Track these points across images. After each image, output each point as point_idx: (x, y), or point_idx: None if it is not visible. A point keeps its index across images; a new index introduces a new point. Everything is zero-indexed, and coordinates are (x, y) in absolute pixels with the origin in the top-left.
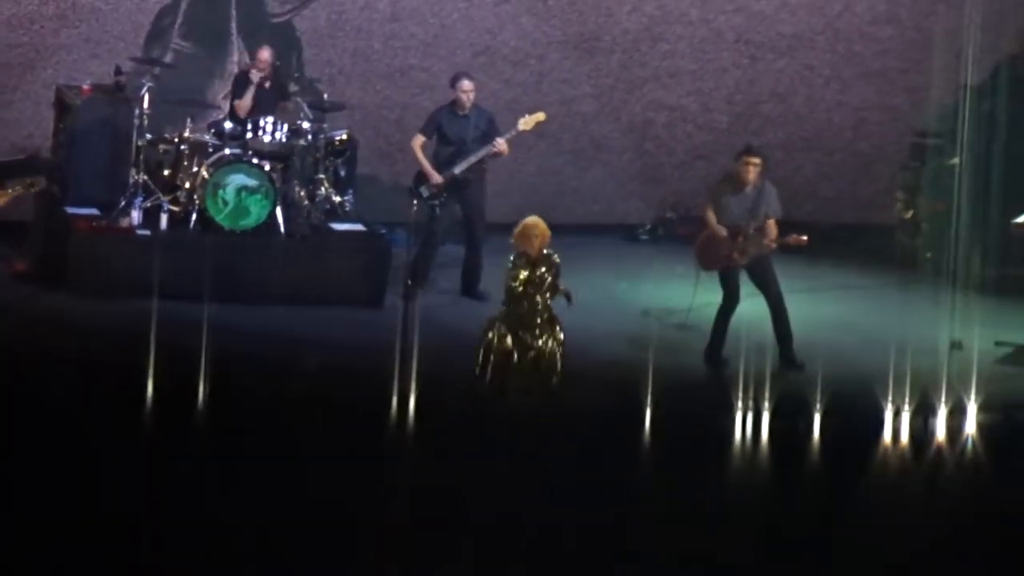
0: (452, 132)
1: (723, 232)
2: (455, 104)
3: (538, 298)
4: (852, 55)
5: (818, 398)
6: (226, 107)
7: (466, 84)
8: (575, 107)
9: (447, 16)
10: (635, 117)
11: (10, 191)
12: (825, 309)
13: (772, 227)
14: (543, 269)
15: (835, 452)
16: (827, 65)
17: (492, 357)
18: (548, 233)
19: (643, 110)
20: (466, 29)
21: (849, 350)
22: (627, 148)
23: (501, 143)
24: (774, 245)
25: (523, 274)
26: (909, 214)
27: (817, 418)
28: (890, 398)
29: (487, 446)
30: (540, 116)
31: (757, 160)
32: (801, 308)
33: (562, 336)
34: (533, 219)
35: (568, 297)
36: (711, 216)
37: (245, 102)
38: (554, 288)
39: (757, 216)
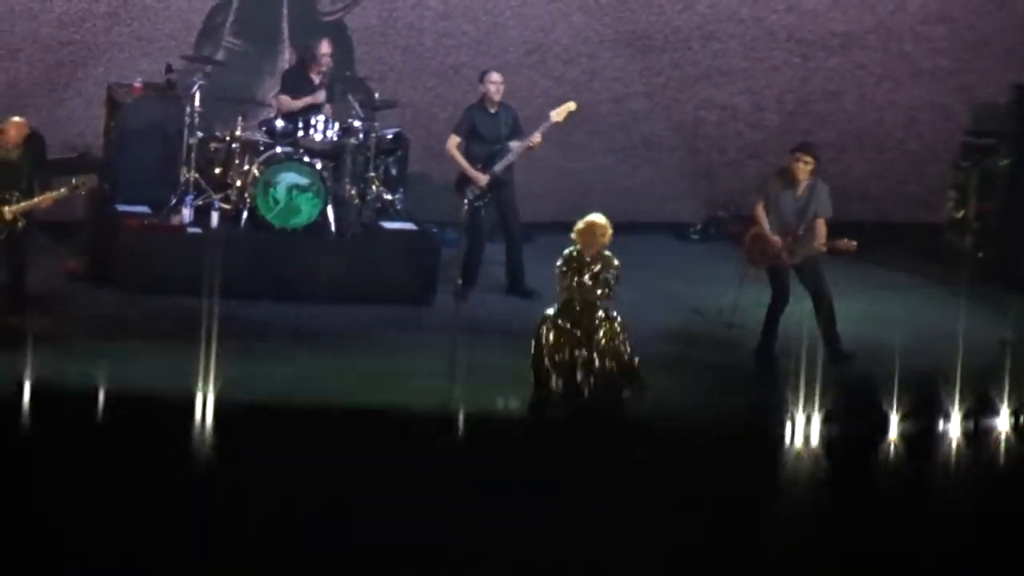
0: (485, 130)
1: (773, 230)
2: (484, 100)
3: (593, 295)
4: (903, 54)
5: (877, 397)
6: (276, 104)
7: (495, 76)
8: (626, 105)
9: (499, 14)
10: (686, 115)
11: (56, 193)
12: (874, 308)
13: (821, 227)
14: (599, 266)
15: (904, 448)
16: (878, 64)
17: (544, 355)
18: (610, 235)
19: (694, 108)
20: (518, 27)
21: (899, 349)
22: (678, 146)
23: (537, 137)
24: (823, 248)
25: (579, 270)
26: (960, 213)
27: (889, 417)
28: (941, 396)
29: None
30: (571, 105)
31: (810, 159)
32: (852, 307)
33: (620, 331)
34: (601, 219)
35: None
36: (761, 213)
37: (294, 105)
38: (605, 288)
39: (807, 216)
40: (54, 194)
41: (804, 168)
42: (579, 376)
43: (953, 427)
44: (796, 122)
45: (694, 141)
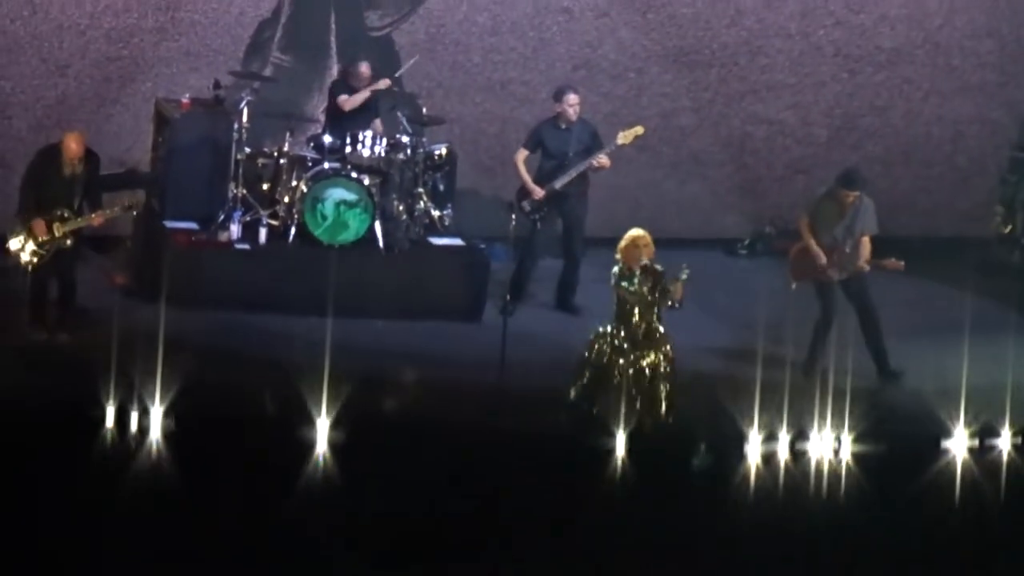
0: (554, 146)
1: (819, 247)
2: (559, 117)
3: (642, 312)
4: (951, 68)
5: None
6: (339, 103)
7: (572, 98)
8: (674, 121)
9: (546, 29)
10: (734, 131)
11: (108, 212)
12: (921, 321)
13: (867, 244)
14: (649, 283)
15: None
16: (926, 79)
17: (589, 371)
18: (652, 245)
19: (742, 124)
20: (565, 42)
21: (942, 365)
22: (726, 162)
23: (603, 158)
24: (867, 267)
25: (631, 286)
26: (1007, 228)
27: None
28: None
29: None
30: (639, 130)
31: (856, 193)
32: (898, 321)
33: (671, 353)
34: (639, 231)
35: (674, 302)
36: (806, 229)
37: (356, 99)
38: (663, 299)
39: (853, 233)
40: (104, 214)
41: (850, 199)
42: (618, 395)
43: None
44: (844, 137)
45: (742, 156)
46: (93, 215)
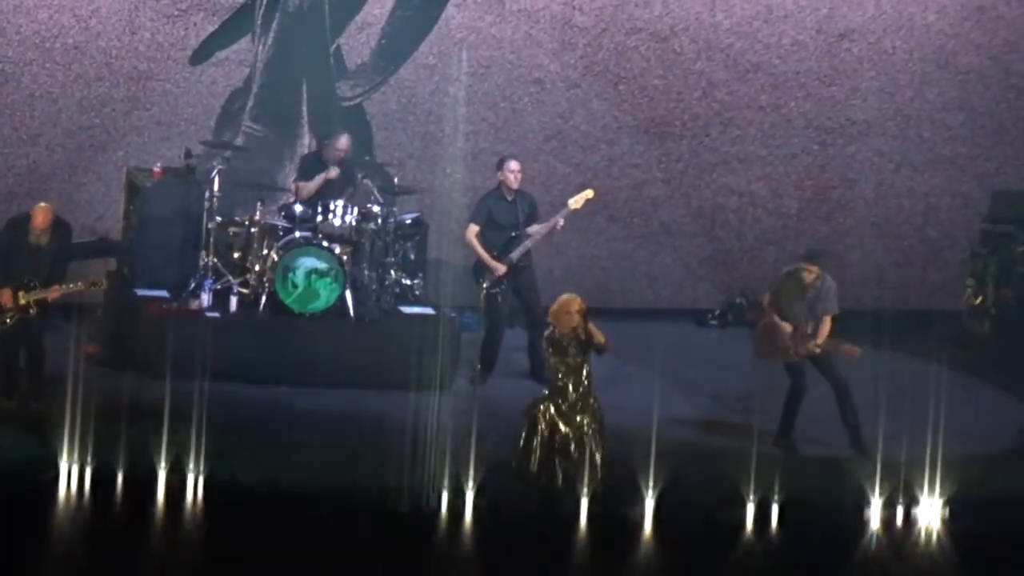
0: (503, 218)
1: (783, 326)
2: (502, 187)
3: (577, 377)
4: (922, 141)
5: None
6: (294, 189)
7: (513, 164)
8: (645, 191)
9: (518, 100)
10: (705, 202)
11: (67, 287)
12: (893, 395)
13: (826, 325)
14: (571, 348)
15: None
16: (897, 151)
17: (537, 441)
18: (577, 307)
19: (713, 195)
20: (537, 113)
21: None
22: (697, 233)
23: (556, 222)
24: (818, 350)
25: (566, 355)
26: (978, 300)
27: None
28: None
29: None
30: (588, 193)
31: (816, 269)
32: (869, 394)
33: (600, 414)
34: (567, 296)
35: (599, 349)
36: (770, 307)
37: (310, 187)
38: (584, 355)
39: (815, 313)
40: (61, 289)
41: (810, 277)
42: (557, 459)
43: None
44: (815, 209)
45: (712, 227)
46: (51, 289)
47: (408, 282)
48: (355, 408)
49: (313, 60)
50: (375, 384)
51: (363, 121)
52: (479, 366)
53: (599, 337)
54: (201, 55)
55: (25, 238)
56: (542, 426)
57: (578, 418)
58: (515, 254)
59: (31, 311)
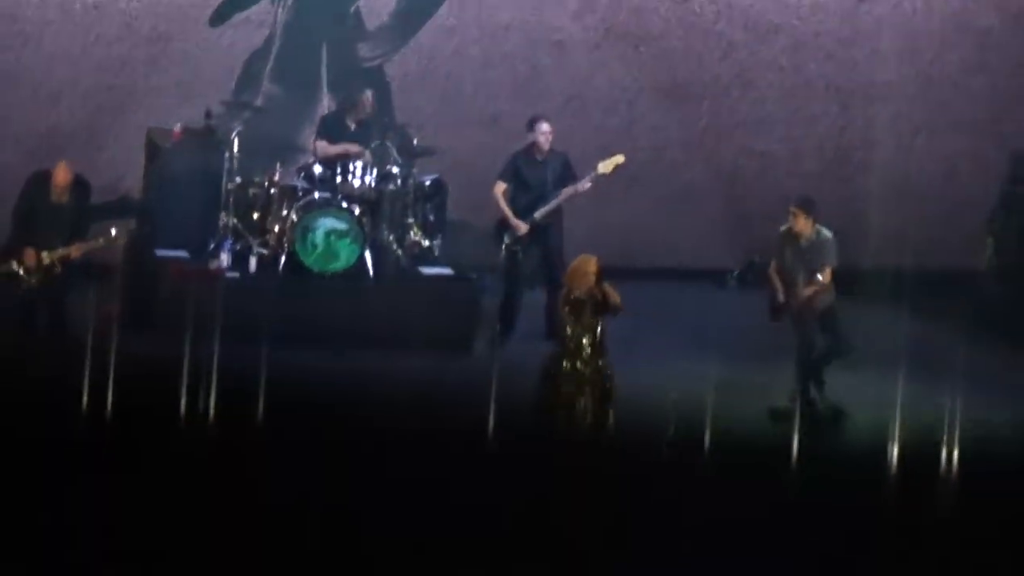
0: (531, 177)
1: (775, 283)
2: (533, 148)
3: (583, 338)
4: (943, 103)
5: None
6: (313, 147)
7: (544, 127)
8: (665, 154)
9: (538, 62)
10: (725, 164)
11: (87, 244)
12: (912, 355)
13: (826, 275)
14: (587, 309)
15: None
16: (918, 113)
17: (543, 396)
18: (594, 270)
19: (733, 157)
20: (557, 75)
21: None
22: (717, 194)
23: (584, 185)
24: (808, 299)
25: (570, 316)
26: (998, 261)
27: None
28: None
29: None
30: (619, 159)
31: (796, 211)
32: (889, 354)
33: (609, 368)
34: (588, 257)
35: (614, 310)
36: (773, 267)
37: (330, 152)
38: (598, 315)
39: (811, 266)
40: (82, 247)
41: (801, 222)
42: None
43: None
44: (835, 171)
45: (732, 189)
46: (73, 246)
47: (427, 243)
48: (372, 369)
49: (333, 21)
50: (394, 345)
51: (383, 82)
52: (498, 327)
53: (615, 297)
54: (221, 16)
55: (47, 197)
56: (556, 383)
57: (589, 377)
58: (538, 213)
59: (55, 270)
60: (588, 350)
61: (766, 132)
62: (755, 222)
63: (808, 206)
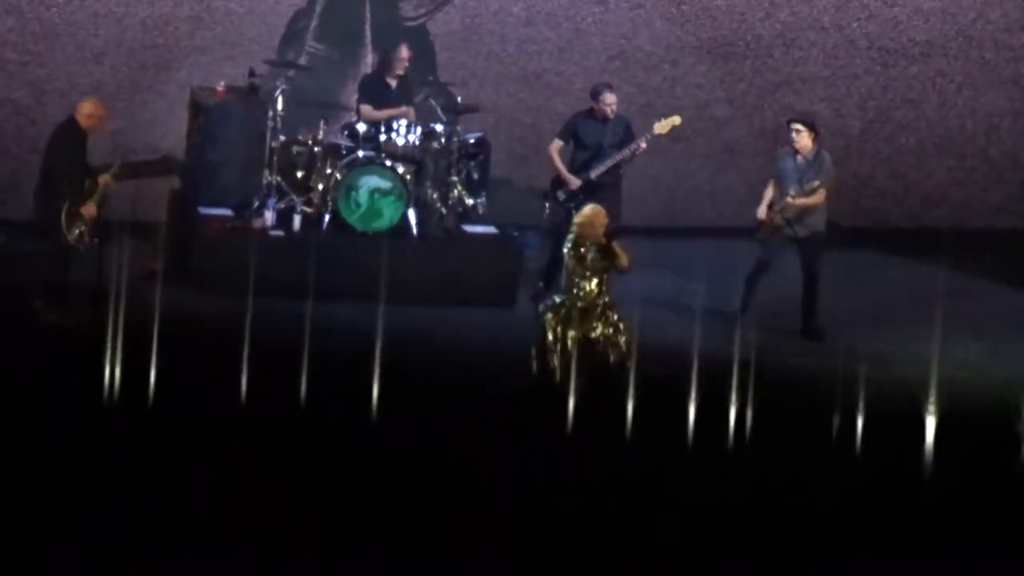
0: (589, 138)
1: (768, 196)
2: (594, 111)
3: (591, 284)
4: (984, 62)
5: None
6: (356, 111)
7: (609, 97)
8: (708, 112)
9: (581, 20)
10: (767, 122)
11: (113, 170)
12: (954, 313)
13: (818, 195)
14: (599, 256)
15: None
16: (960, 72)
17: (544, 343)
18: (606, 222)
19: (775, 115)
20: (600, 33)
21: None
22: (759, 152)
23: (642, 144)
24: (796, 202)
25: (573, 260)
26: None
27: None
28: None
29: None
30: (676, 120)
31: (799, 127)
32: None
33: (621, 324)
34: (599, 208)
35: (620, 267)
36: (770, 184)
37: (375, 116)
38: (604, 262)
39: (806, 182)
40: (109, 174)
41: (799, 136)
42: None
43: None
44: (877, 129)
45: (775, 147)
46: (102, 178)
47: (471, 201)
48: (416, 326)
49: None
50: (437, 302)
51: (426, 41)
52: (541, 284)
53: (622, 257)
54: None
55: (79, 144)
56: (556, 329)
57: (594, 324)
58: (594, 172)
59: (100, 213)
60: (593, 296)
61: (808, 90)
62: None
63: (810, 122)
